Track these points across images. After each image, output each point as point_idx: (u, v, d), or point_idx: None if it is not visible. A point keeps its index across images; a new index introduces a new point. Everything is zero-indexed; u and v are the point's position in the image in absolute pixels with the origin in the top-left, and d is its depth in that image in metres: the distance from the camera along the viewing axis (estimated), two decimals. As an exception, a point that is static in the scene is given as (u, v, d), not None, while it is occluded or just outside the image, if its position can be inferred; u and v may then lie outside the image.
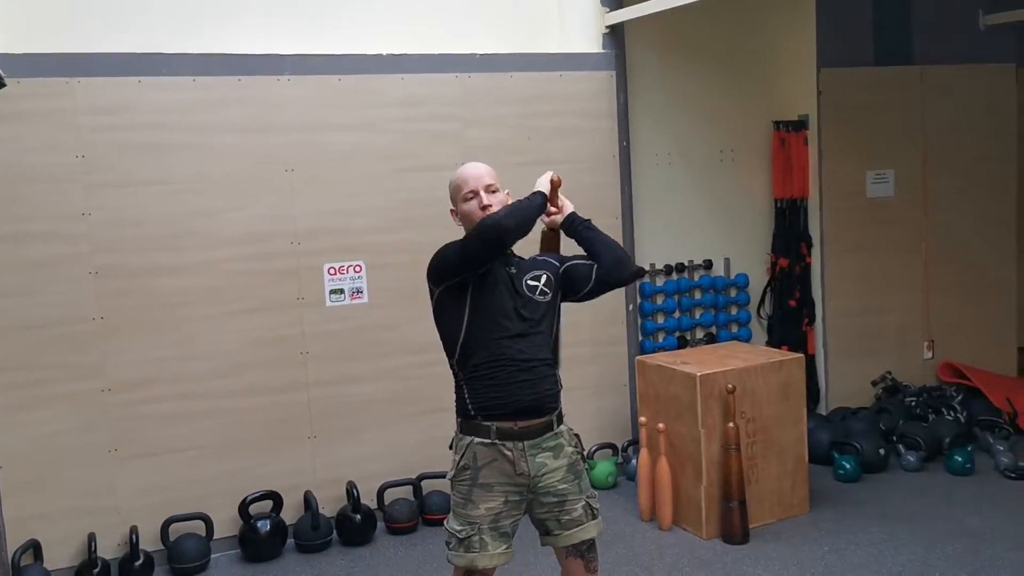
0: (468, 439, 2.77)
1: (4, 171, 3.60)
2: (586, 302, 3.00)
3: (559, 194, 2.93)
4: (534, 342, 2.77)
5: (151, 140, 4.24)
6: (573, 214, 2.96)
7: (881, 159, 5.78)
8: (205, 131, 4.31)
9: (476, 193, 2.79)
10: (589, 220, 2.96)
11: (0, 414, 4.05)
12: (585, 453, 4.65)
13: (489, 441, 2.74)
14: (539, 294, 2.81)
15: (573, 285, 2.91)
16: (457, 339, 2.79)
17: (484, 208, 2.76)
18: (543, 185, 2.86)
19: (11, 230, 4.04)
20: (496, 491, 2.74)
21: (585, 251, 2.94)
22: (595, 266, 2.90)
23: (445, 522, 2.83)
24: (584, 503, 2.83)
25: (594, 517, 2.85)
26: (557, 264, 2.93)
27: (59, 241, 4.12)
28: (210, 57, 4.30)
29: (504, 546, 2.75)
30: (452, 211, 2.90)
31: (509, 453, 2.73)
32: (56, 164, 4.09)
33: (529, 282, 2.81)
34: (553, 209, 2.93)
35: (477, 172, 2.83)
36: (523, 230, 2.75)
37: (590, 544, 2.88)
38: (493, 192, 2.81)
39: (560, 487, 2.78)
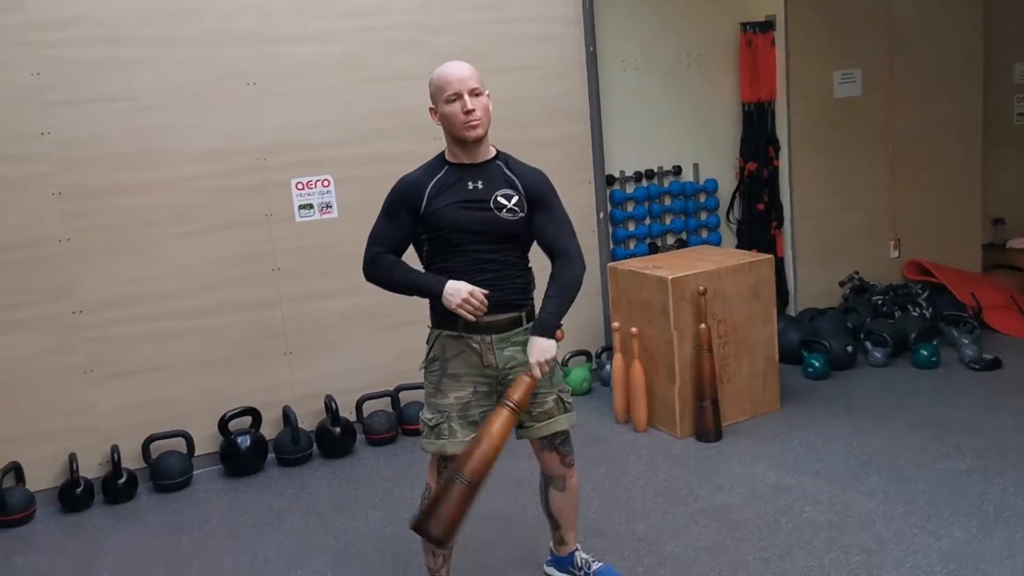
0: (438, 331, 2.83)
1: (-44, 91, 3.52)
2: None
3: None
4: (501, 248, 2.77)
5: (107, 55, 4.12)
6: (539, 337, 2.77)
7: (848, 59, 5.76)
8: (162, 45, 4.20)
9: (459, 96, 2.69)
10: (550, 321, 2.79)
11: (-29, 339, 4.02)
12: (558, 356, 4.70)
13: (456, 334, 2.78)
14: (507, 212, 2.76)
15: (534, 221, 2.83)
16: (422, 244, 2.82)
17: (467, 112, 2.68)
18: (454, 297, 2.70)
19: (-32, 152, 3.95)
20: (464, 381, 2.80)
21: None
22: (552, 258, 2.84)
23: (420, 413, 2.90)
24: (556, 396, 2.89)
25: (566, 411, 2.91)
26: (527, 200, 2.81)
27: (19, 162, 4.03)
28: (163, -34, 4.17)
29: (473, 434, 2.80)
30: (432, 109, 2.79)
31: (476, 346, 2.78)
32: (10, 83, 3.97)
33: (499, 199, 2.76)
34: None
35: (461, 73, 2.72)
36: (389, 289, 2.84)
37: (564, 437, 2.95)
38: (477, 95, 2.71)
39: None
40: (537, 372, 2.73)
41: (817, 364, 5.10)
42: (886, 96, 5.90)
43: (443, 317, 2.79)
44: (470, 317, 2.70)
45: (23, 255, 4.08)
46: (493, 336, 2.78)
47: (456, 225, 2.73)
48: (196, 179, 4.32)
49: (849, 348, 5.22)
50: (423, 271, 2.84)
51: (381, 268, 2.80)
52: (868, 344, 5.32)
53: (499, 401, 2.74)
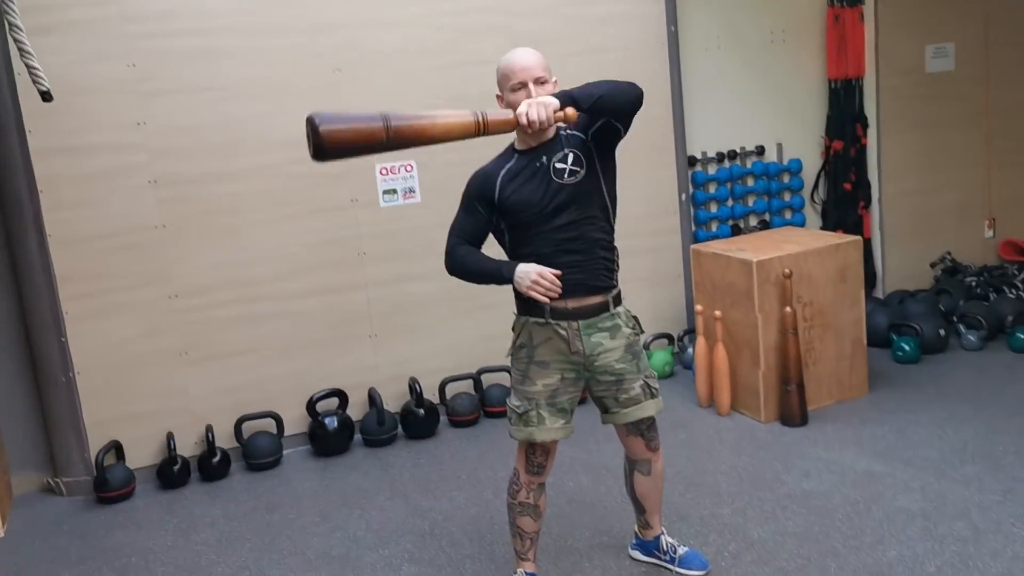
0: (524, 318, 2.84)
1: (57, 83, 3.61)
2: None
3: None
4: (579, 224, 2.74)
5: (199, 46, 4.23)
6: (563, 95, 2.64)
7: (940, 32, 5.57)
8: (251, 34, 4.29)
9: (524, 84, 2.69)
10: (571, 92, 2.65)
11: (73, 323, 4.19)
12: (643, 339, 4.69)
13: (544, 320, 2.78)
14: (568, 176, 2.73)
15: (608, 131, 2.75)
16: (503, 235, 2.84)
17: None
18: (523, 279, 2.69)
19: (69, 142, 4.10)
20: (552, 368, 2.80)
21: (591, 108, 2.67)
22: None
23: (507, 399, 2.90)
24: (642, 382, 2.88)
25: (653, 396, 2.90)
26: (582, 134, 2.77)
27: (117, 151, 4.17)
28: (251, -42, 4.25)
29: (562, 421, 2.82)
30: (498, 96, 2.80)
31: (564, 332, 2.78)
32: (107, 74, 4.11)
33: (556, 165, 2.74)
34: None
35: (526, 62, 2.71)
36: (467, 279, 2.84)
37: (650, 423, 2.95)
38: (542, 83, 2.70)
39: (617, 366, 2.83)
40: (520, 117, 2.56)
41: (907, 348, 4.98)
42: (981, 71, 5.69)
43: (529, 304, 2.80)
44: (543, 299, 2.69)
45: (121, 242, 4.23)
46: (580, 322, 2.78)
47: (528, 206, 2.73)
48: (284, 165, 4.41)
49: (941, 331, 5.08)
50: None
51: (457, 258, 2.83)
52: (961, 327, 5.16)
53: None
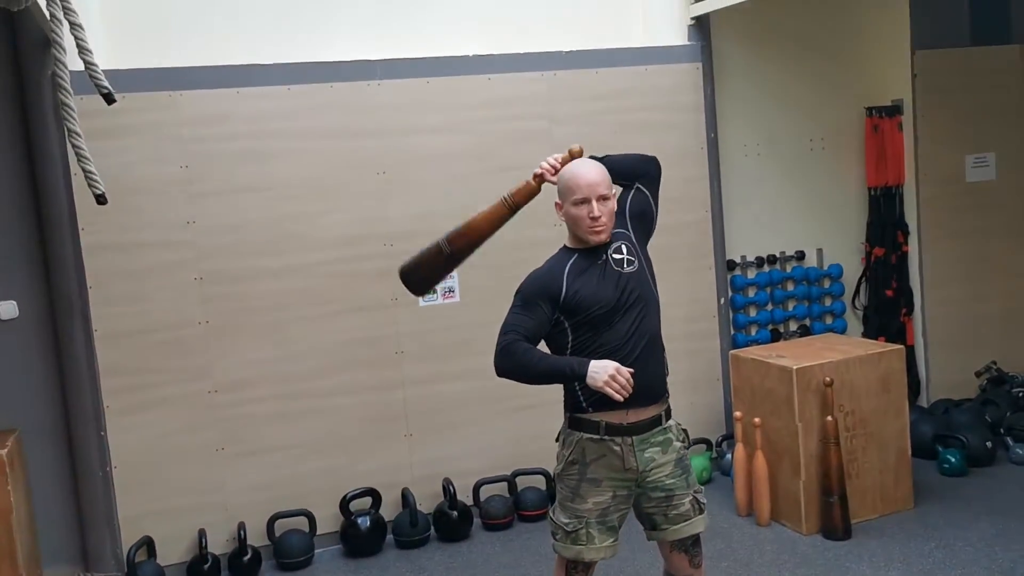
0: (577, 435, 2.79)
1: (112, 184, 3.72)
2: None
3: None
4: (645, 319, 2.76)
5: (249, 148, 4.37)
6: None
7: (981, 142, 5.58)
8: (300, 137, 4.43)
9: (587, 200, 2.73)
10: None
11: (113, 417, 4.23)
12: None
13: (598, 437, 2.75)
14: (628, 265, 2.78)
15: (642, 209, 2.92)
16: (565, 335, 2.79)
17: (593, 219, 2.73)
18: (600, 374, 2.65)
19: (121, 239, 4.21)
20: (604, 486, 2.76)
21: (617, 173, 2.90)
22: (635, 185, 2.94)
23: (550, 512, 2.86)
24: (691, 498, 2.83)
25: (701, 512, 2.85)
26: (624, 227, 2.86)
27: (166, 249, 4.27)
28: (303, 65, 4.41)
29: (611, 539, 2.78)
30: (557, 204, 2.83)
31: (618, 448, 2.74)
32: (161, 175, 4.25)
33: (614, 257, 2.78)
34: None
35: (591, 178, 2.75)
36: (525, 376, 2.74)
37: (695, 539, 2.89)
38: (604, 200, 2.75)
39: (668, 482, 2.79)
40: (539, 170, 2.88)
41: (953, 460, 4.85)
42: (1023, 180, 5.68)
43: (583, 420, 2.77)
44: (618, 397, 2.60)
45: (165, 336, 4.29)
46: (634, 438, 2.75)
47: (599, 300, 2.72)
48: (327, 264, 4.48)
49: (988, 443, 4.95)
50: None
51: (518, 354, 2.67)
52: (1009, 440, 5.03)
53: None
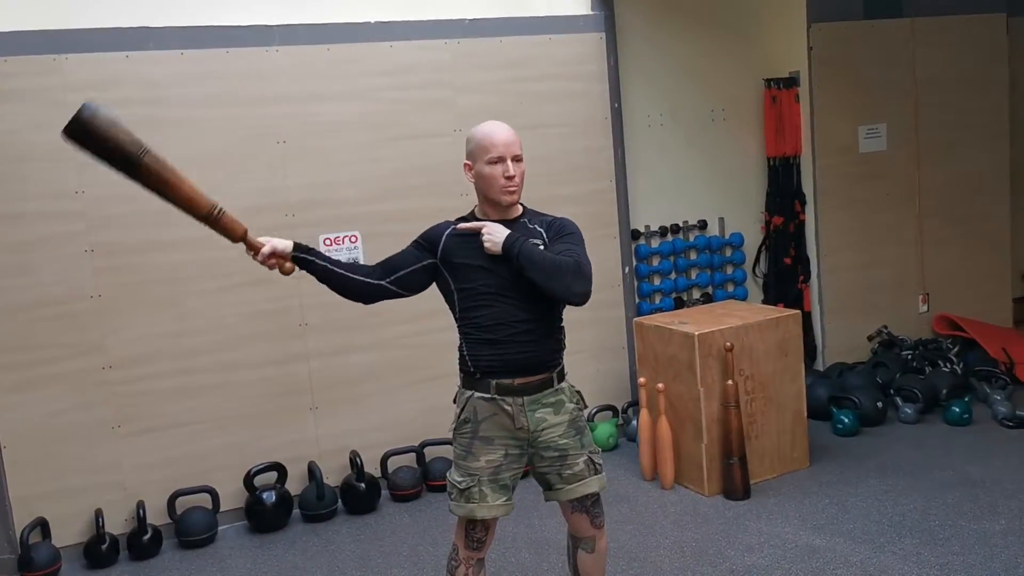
0: (469, 393, 2.82)
1: (-5, 151, 3.61)
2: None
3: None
4: (534, 310, 2.76)
5: (141, 115, 4.18)
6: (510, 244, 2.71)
7: (873, 113, 5.77)
8: (195, 105, 4.29)
9: (503, 159, 2.73)
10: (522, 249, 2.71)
11: (1, 394, 4.06)
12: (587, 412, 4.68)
13: (489, 396, 2.77)
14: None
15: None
16: (453, 299, 2.82)
17: (508, 178, 2.73)
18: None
19: (5, 209, 4.03)
20: (496, 444, 2.78)
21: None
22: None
23: (448, 473, 2.86)
24: (586, 458, 2.86)
25: (596, 472, 2.88)
26: (543, 238, 2.82)
27: (54, 220, 4.10)
28: (198, 30, 4.27)
29: (504, 498, 2.79)
30: (467, 165, 2.81)
31: (509, 408, 2.76)
32: (48, 143, 4.03)
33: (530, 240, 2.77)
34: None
35: (508, 138, 2.75)
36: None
37: (595, 499, 2.92)
38: (518, 161, 2.76)
39: (561, 442, 2.81)
40: (471, 226, 2.75)
41: (847, 420, 5.04)
42: (912, 150, 5.90)
43: (475, 380, 2.79)
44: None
45: (55, 311, 4.13)
46: (525, 398, 2.77)
47: (485, 279, 2.74)
48: (226, 236, 4.37)
49: (879, 404, 5.16)
50: None
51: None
52: (898, 400, 5.25)
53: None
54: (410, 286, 2.86)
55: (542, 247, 2.75)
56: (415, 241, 2.89)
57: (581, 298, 2.73)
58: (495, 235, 2.70)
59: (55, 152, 4.06)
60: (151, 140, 4.15)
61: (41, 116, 4.04)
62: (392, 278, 2.85)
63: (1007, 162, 6.19)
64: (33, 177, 4.06)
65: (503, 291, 2.74)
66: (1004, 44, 6.09)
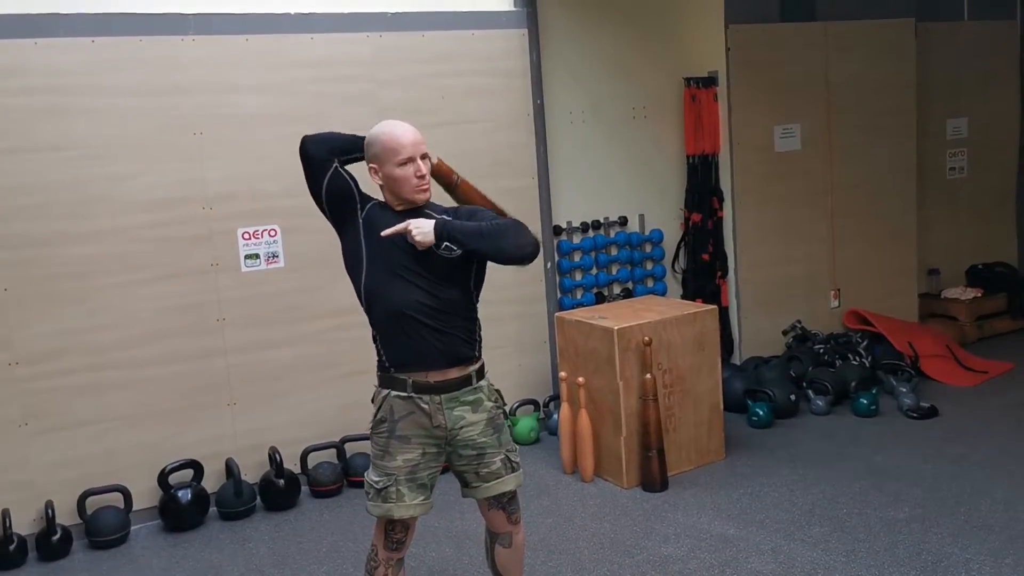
0: (385, 392, 2.80)
1: None
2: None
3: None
4: (442, 295, 2.73)
5: (49, 104, 4.08)
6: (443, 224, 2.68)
7: (788, 114, 5.91)
8: (107, 94, 4.18)
9: (412, 160, 2.71)
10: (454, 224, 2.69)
11: (-100, 392, 3.91)
12: (507, 409, 4.70)
13: (406, 394, 2.76)
14: (444, 250, 2.67)
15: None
16: (360, 286, 2.78)
17: (420, 177, 2.71)
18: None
19: (-98, 200, 3.87)
20: (413, 443, 2.77)
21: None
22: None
23: (365, 473, 2.85)
24: (503, 456, 2.87)
25: (513, 470, 2.90)
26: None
27: (-45, 211, 3.96)
28: (109, 16, 4.15)
29: (421, 497, 2.79)
30: (373, 168, 2.77)
31: (426, 406, 2.76)
32: (-52, 131, 3.92)
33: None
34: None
35: (414, 138, 2.73)
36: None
37: (511, 496, 2.94)
38: (425, 159, 2.75)
39: (479, 440, 2.82)
40: (394, 230, 2.66)
41: (761, 413, 5.17)
42: (825, 150, 6.07)
43: (391, 378, 2.77)
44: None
45: (-42, 305, 3.99)
46: (443, 396, 2.77)
47: (398, 257, 2.70)
48: (140, 228, 4.27)
49: (792, 396, 5.30)
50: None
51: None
52: (810, 392, 5.41)
53: None
54: (339, 182, 2.80)
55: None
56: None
57: (533, 248, 2.74)
58: (423, 227, 2.65)
59: (-43, 141, 3.93)
60: (58, 129, 4.09)
61: (-59, 103, 3.90)
62: (342, 159, 2.83)
63: (915, 162, 6.41)
64: (-67, 166, 3.91)
65: (408, 275, 2.70)
66: (912, 47, 6.30)
